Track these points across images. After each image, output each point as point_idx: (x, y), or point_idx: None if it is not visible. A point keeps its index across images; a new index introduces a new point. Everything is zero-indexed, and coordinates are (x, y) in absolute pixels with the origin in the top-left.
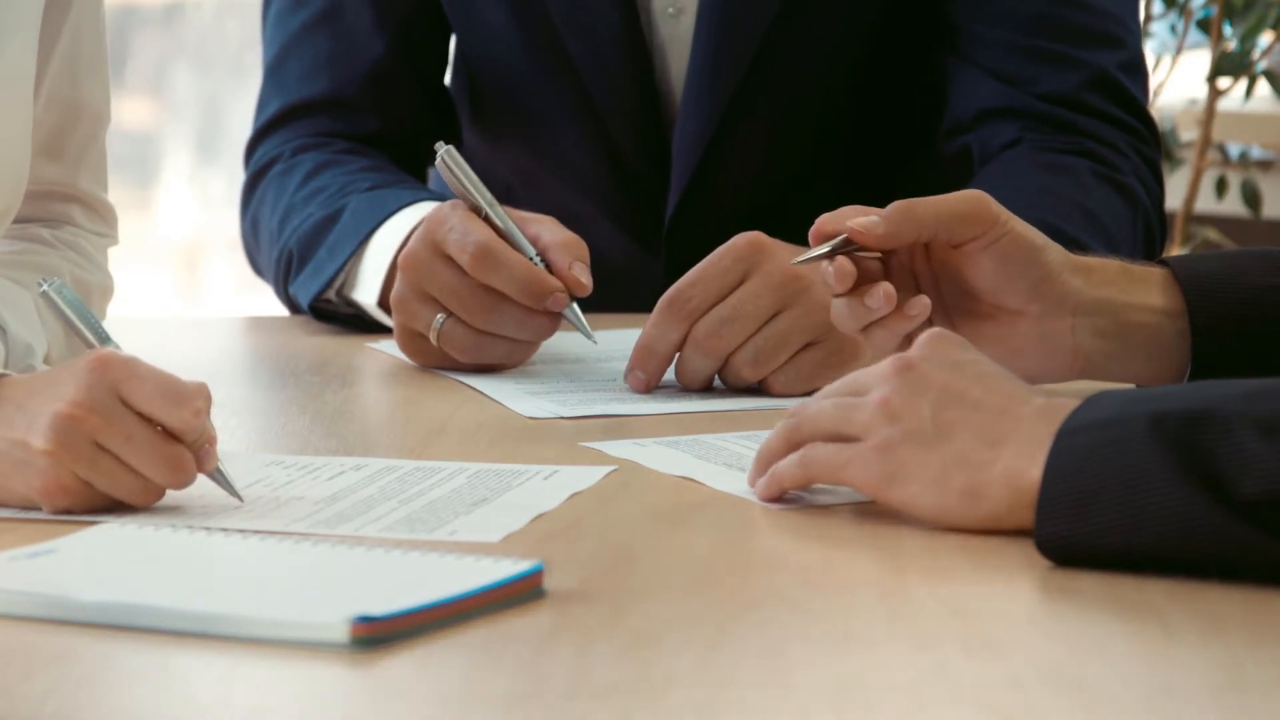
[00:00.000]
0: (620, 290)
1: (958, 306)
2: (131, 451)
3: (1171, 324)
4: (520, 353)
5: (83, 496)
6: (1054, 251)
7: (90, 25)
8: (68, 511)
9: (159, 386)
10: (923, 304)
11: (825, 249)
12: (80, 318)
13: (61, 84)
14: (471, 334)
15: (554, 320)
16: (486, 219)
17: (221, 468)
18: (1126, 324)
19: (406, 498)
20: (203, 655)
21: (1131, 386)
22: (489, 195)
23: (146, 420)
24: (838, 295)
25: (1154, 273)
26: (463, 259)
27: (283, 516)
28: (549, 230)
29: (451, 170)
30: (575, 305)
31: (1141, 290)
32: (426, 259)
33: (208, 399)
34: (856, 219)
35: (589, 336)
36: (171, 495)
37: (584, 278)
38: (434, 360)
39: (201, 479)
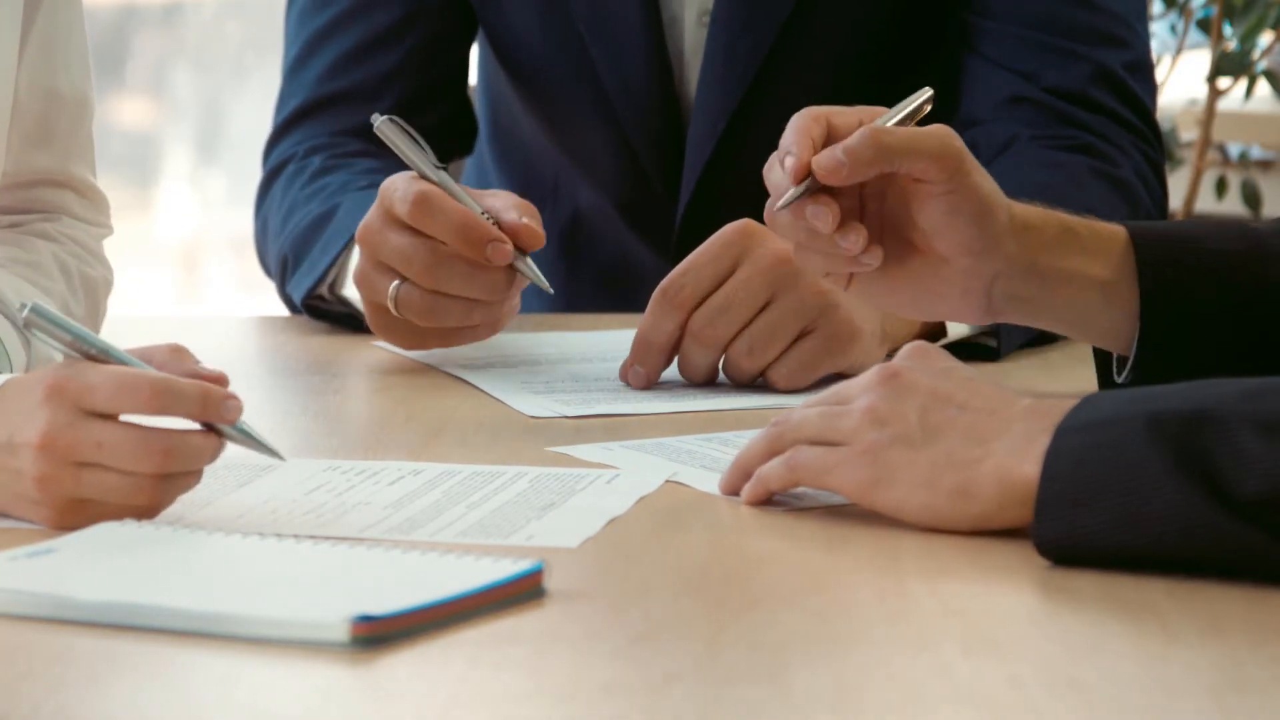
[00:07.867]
0: (639, 292)
1: (890, 229)
2: (107, 454)
3: (1100, 296)
4: (478, 315)
5: (85, 513)
6: (1001, 213)
7: (65, 14)
8: (79, 527)
9: (112, 384)
10: (876, 254)
11: (802, 190)
12: (74, 335)
13: (40, 74)
14: (423, 294)
15: (505, 277)
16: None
17: (246, 428)
18: (1048, 290)
19: (473, 503)
20: (203, 655)
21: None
22: (432, 158)
23: (117, 420)
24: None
25: (1106, 236)
26: (403, 209)
27: (352, 523)
28: (502, 198)
29: (390, 141)
30: (528, 259)
31: (1079, 256)
32: (378, 227)
33: (173, 363)
34: (823, 160)
35: (544, 287)
36: (226, 501)
37: (536, 227)
38: (402, 336)
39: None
